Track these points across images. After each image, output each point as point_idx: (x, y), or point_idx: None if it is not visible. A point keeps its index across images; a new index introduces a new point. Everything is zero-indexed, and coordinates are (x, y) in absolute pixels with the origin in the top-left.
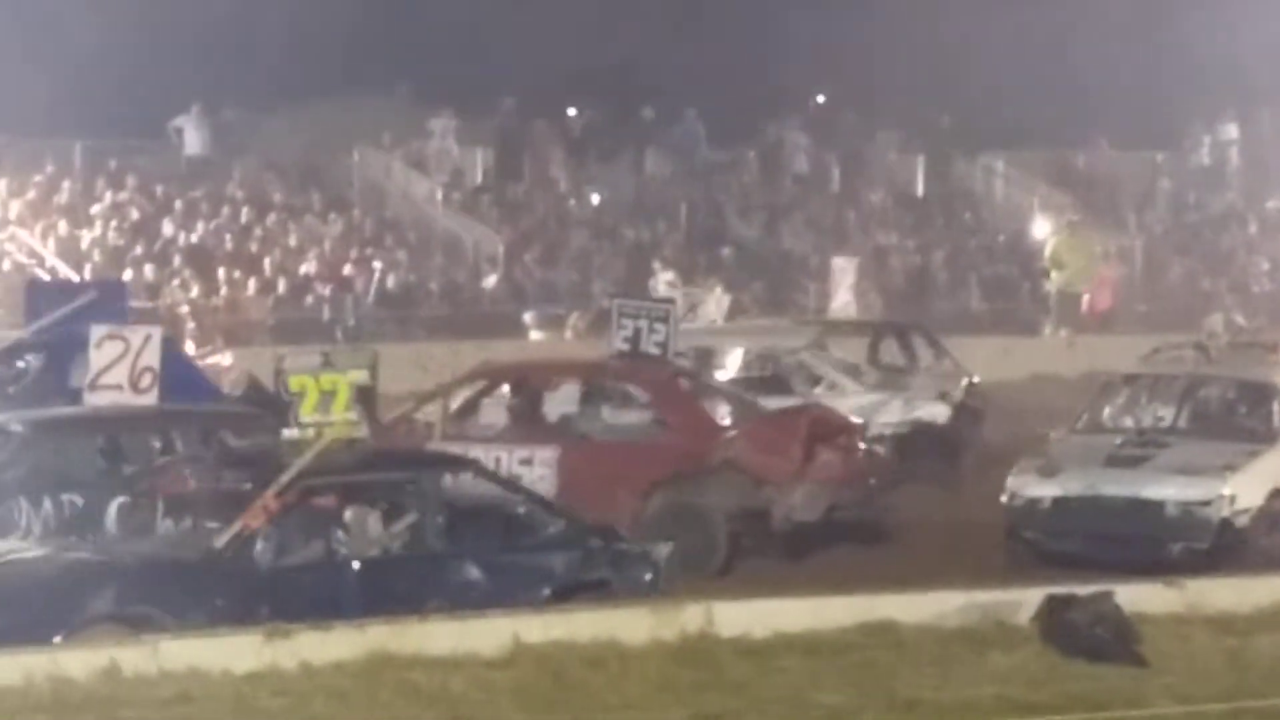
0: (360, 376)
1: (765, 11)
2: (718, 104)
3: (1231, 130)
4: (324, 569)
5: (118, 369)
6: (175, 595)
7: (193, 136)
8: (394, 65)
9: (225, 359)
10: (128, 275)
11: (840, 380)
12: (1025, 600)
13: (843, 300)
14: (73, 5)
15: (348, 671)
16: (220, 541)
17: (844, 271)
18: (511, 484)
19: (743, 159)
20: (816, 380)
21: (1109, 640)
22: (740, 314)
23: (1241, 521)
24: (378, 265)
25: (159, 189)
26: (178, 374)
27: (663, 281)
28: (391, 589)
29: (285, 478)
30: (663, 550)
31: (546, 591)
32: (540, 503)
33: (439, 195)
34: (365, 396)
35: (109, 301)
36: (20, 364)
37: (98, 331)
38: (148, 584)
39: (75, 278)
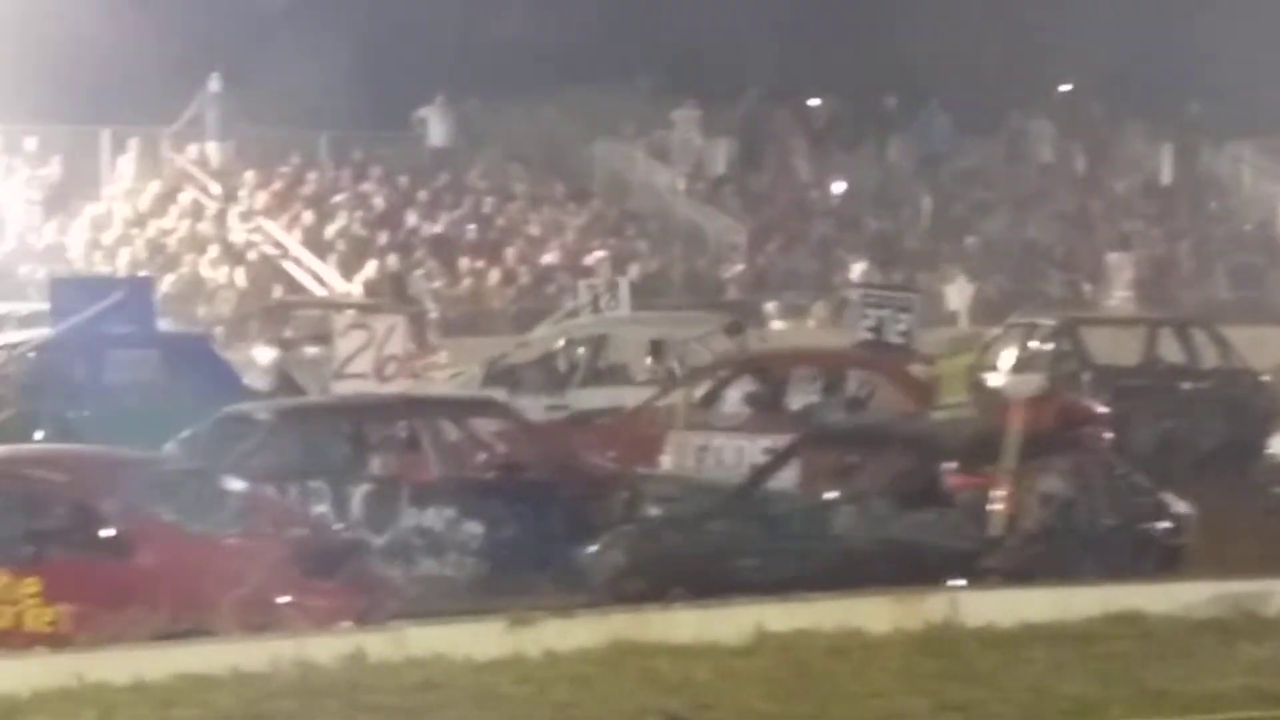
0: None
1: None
2: (961, 93)
3: None
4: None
5: (363, 357)
6: None
7: (436, 127)
8: (637, 56)
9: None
10: (372, 265)
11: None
12: (1275, 591)
13: (1120, 296)
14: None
15: (590, 659)
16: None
17: (1120, 267)
18: None
19: (987, 148)
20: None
21: None
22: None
23: None
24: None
25: (402, 179)
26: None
27: (856, 272)
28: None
29: (1006, 459)
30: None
31: None
32: None
33: (681, 185)
34: None
35: (136, 301)
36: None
37: (343, 321)
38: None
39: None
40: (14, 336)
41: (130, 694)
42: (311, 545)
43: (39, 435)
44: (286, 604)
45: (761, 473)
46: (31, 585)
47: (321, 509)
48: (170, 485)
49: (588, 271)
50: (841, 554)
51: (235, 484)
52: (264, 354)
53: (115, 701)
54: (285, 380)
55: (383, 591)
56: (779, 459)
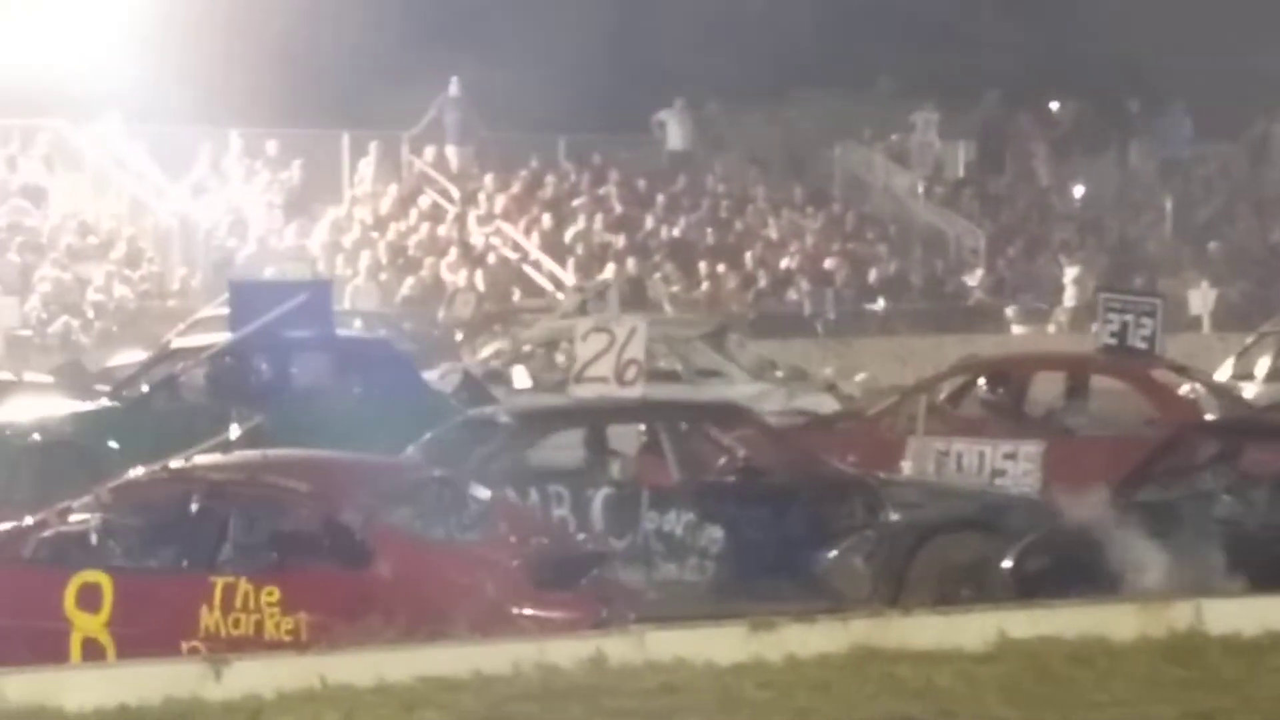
0: None
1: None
2: (1205, 96)
3: None
4: None
5: (603, 361)
6: None
7: (675, 131)
8: (876, 59)
9: None
10: (609, 269)
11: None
12: None
13: None
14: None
15: (832, 664)
16: None
17: None
18: None
19: (1230, 152)
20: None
21: None
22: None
23: None
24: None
25: (641, 183)
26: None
27: (1069, 277)
28: None
29: None
30: None
31: None
32: None
33: (920, 189)
34: None
35: (316, 303)
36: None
37: (584, 324)
38: None
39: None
40: (197, 340)
41: (373, 695)
42: (553, 554)
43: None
44: (526, 615)
45: (1145, 469)
46: (271, 594)
47: (560, 513)
48: (412, 492)
49: (827, 276)
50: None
51: (479, 490)
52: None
53: (358, 703)
54: (473, 385)
55: (623, 600)
56: (1160, 454)
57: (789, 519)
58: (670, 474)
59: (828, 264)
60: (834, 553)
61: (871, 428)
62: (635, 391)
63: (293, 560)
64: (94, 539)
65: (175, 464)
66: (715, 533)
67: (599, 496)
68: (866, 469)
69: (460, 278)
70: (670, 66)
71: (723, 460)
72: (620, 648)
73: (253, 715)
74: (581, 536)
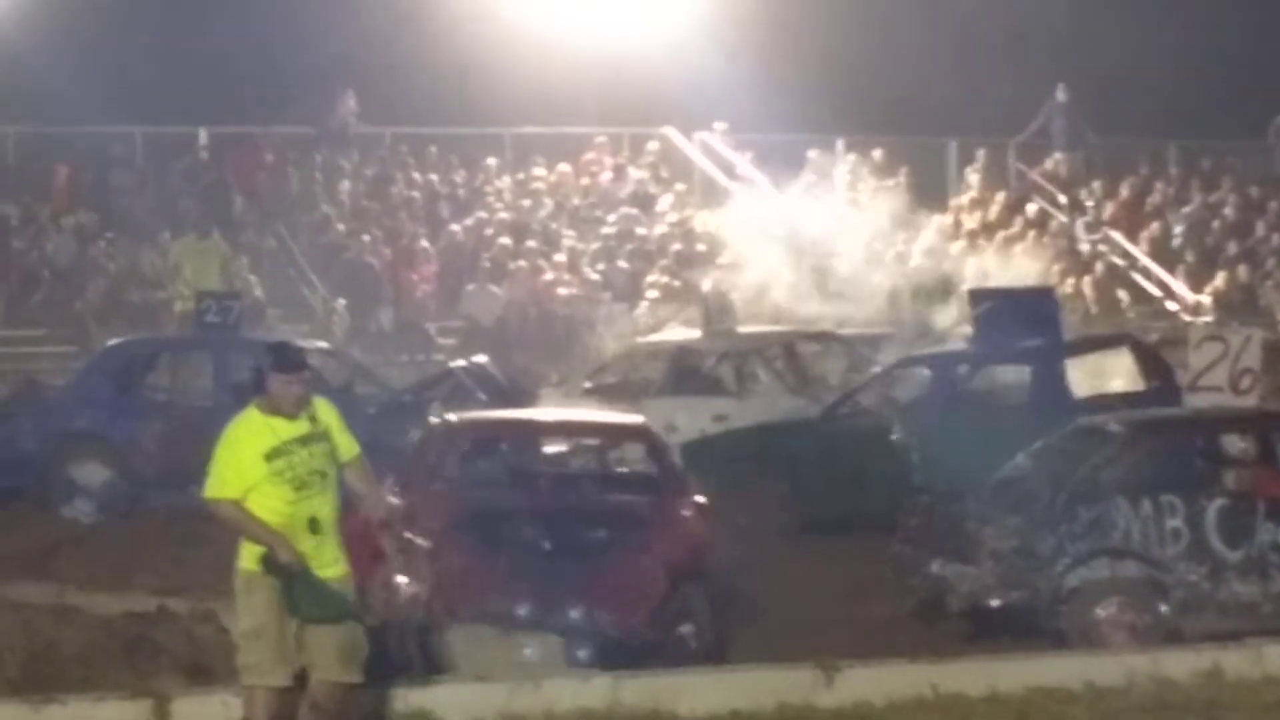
0: None
1: None
2: None
3: None
4: None
5: (1218, 370)
6: None
7: None
8: None
9: None
10: (1220, 276)
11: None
12: None
13: None
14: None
15: None
16: None
17: None
18: None
19: None
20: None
21: None
22: None
23: None
24: None
25: (1253, 189)
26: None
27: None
28: None
29: None
30: None
31: None
32: None
33: None
34: None
35: (1041, 309)
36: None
37: (1197, 332)
38: None
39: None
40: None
41: (984, 704)
42: None
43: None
44: None
45: None
46: None
47: (1174, 524)
48: None
49: None
50: None
51: None
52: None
53: (970, 712)
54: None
55: None
56: None
57: None
58: None
59: None
60: None
61: None
62: (1251, 400)
63: None
64: None
65: None
66: None
67: (1213, 507)
68: None
69: (1068, 285)
70: None
71: None
72: (1237, 661)
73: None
74: None
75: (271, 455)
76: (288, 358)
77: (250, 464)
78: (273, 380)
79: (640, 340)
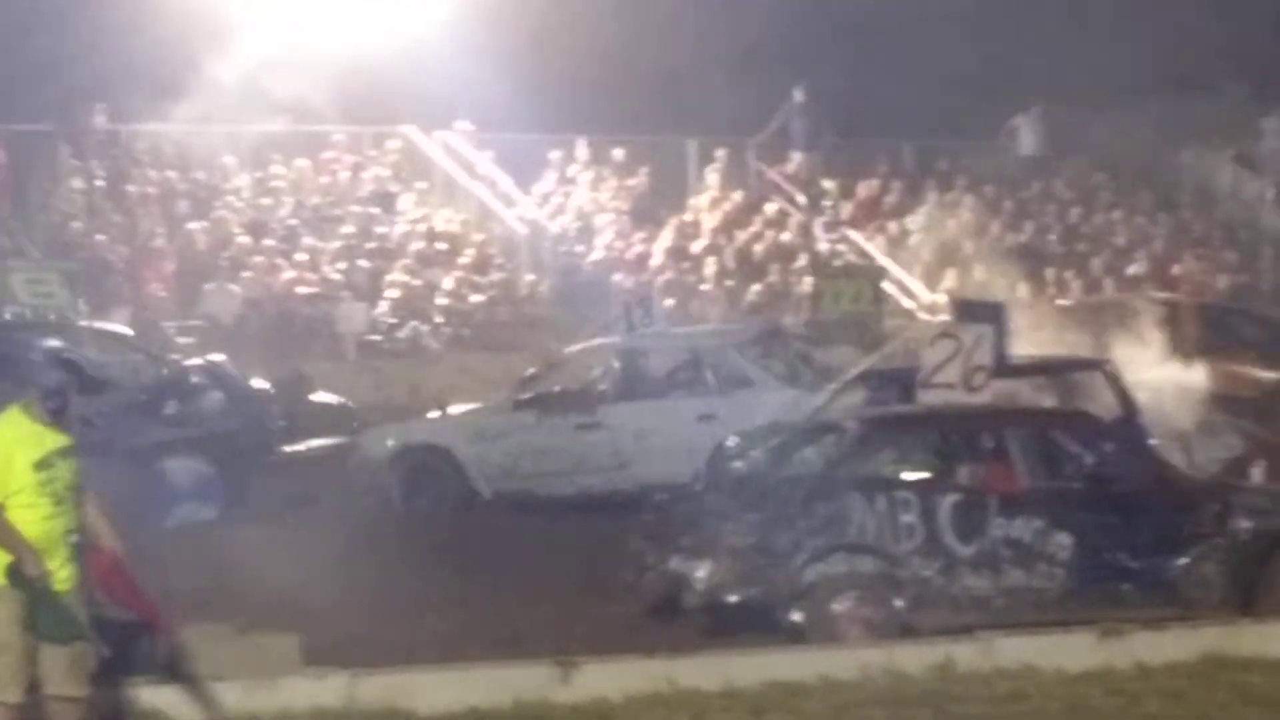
0: None
1: None
2: None
3: None
4: None
5: (950, 367)
6: None
7: (1027, 136)
8: (1226, 64)
9: None
10: (952, 274)
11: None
12: None
13: None
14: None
15: (1181, 673)
16: None
17: None
18: None
19: None
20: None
21: None
22: None
23: None
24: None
25: (988, 189)
26: None
27: None
28: None
29: None
30: None
31: None
32: None
33: (1270, 195)
34: None
35: None
36: None
37: (932, 330)
38: None
39: None
40: None
41: (721, 699)
42: None
43: None
44: None
45: None
46: None
47: (908, 520)
48: None
49: (1174, 282)
50: None
51: None
52: None
53: (706, 707)
54: None
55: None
56: None
57: (1138, 526)
58: (1018, 480)
59: (1175, 270)
60: (1184, 560)
61: None
62: (983, 397)
63: None
64: None
65: None
66: (1064, 539)
67: (946, 503)
68: None
69: (806, 285)
70: (1016, 71)
71: (1070, 467)
72: (968, 654)
73: (601, 718)
74: None
75: (40, 465)
76: (90, 379)
77: (20, 470)
78: (69, 397)
79: (569, 349)
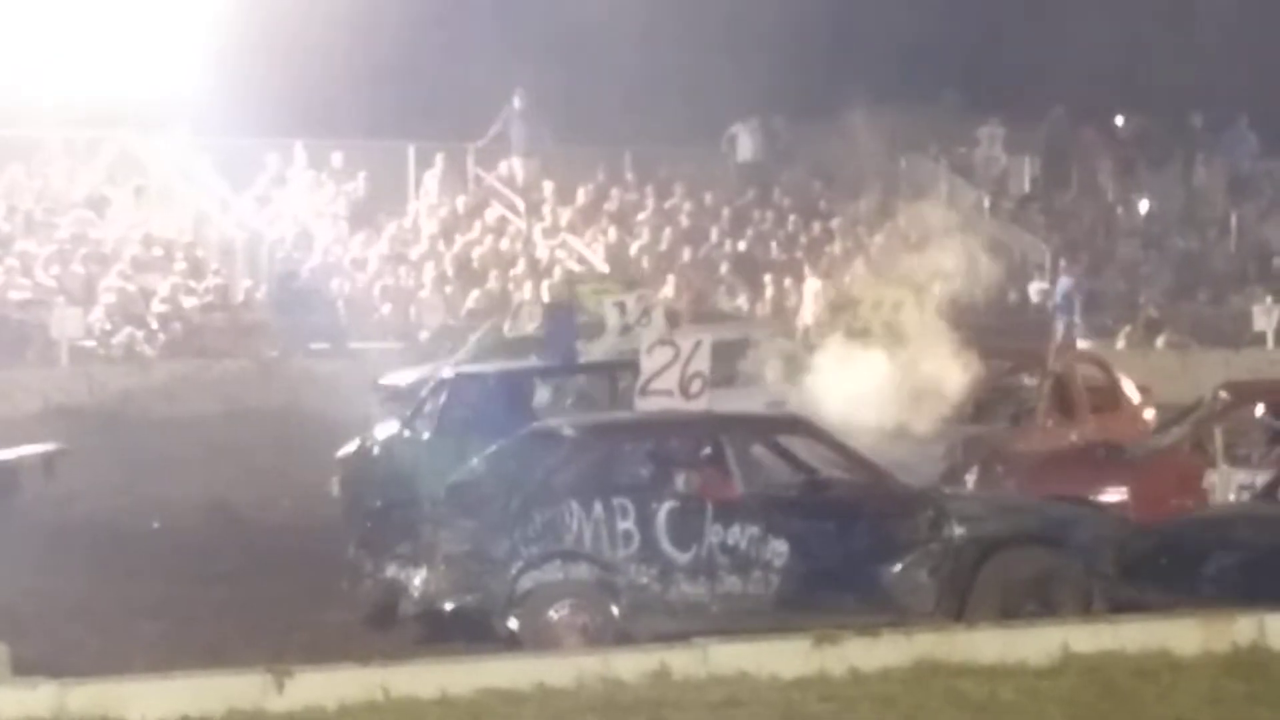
0: None
1: None
2: (1269, 111)
3: None
4: None
5: (668, 374)
6: None
7: (745, 144)
8: (942, 73)
9: None
10: (670, 281)
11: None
12: None
13: None
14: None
15: (894, 678)
16: None
17: None
18: None
19: None
20: None
21: None
22: None
23: None
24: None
25: (707, 196)
26: None
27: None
28: None
29: None
30: None
31: None
32: None
33: (986, 204)
34: None
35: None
36: None
37: (649, 337)
38: None
39: None
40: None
41: (436, 707)
42: None
43: None
44: None
45: None
46: None
47: (626, 526)
48: None
49: None
50: None
51: None
52: None
53: (421, 715)
54: None
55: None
56: None
57: (853, 532)
58: (734, 487)
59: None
60: (898, 566)
61: (1169, 458)
62: (700, 404)
63: None
64: None
65: None
66: (779, 546)
67: (663, 510)
68: (1158, 503)
69: (526, 290)
70: (735, 80)
71: (787, 473)
72: (683, 661)
73: None
74: None
75: None
76: None
77: None
78: None
79: None
